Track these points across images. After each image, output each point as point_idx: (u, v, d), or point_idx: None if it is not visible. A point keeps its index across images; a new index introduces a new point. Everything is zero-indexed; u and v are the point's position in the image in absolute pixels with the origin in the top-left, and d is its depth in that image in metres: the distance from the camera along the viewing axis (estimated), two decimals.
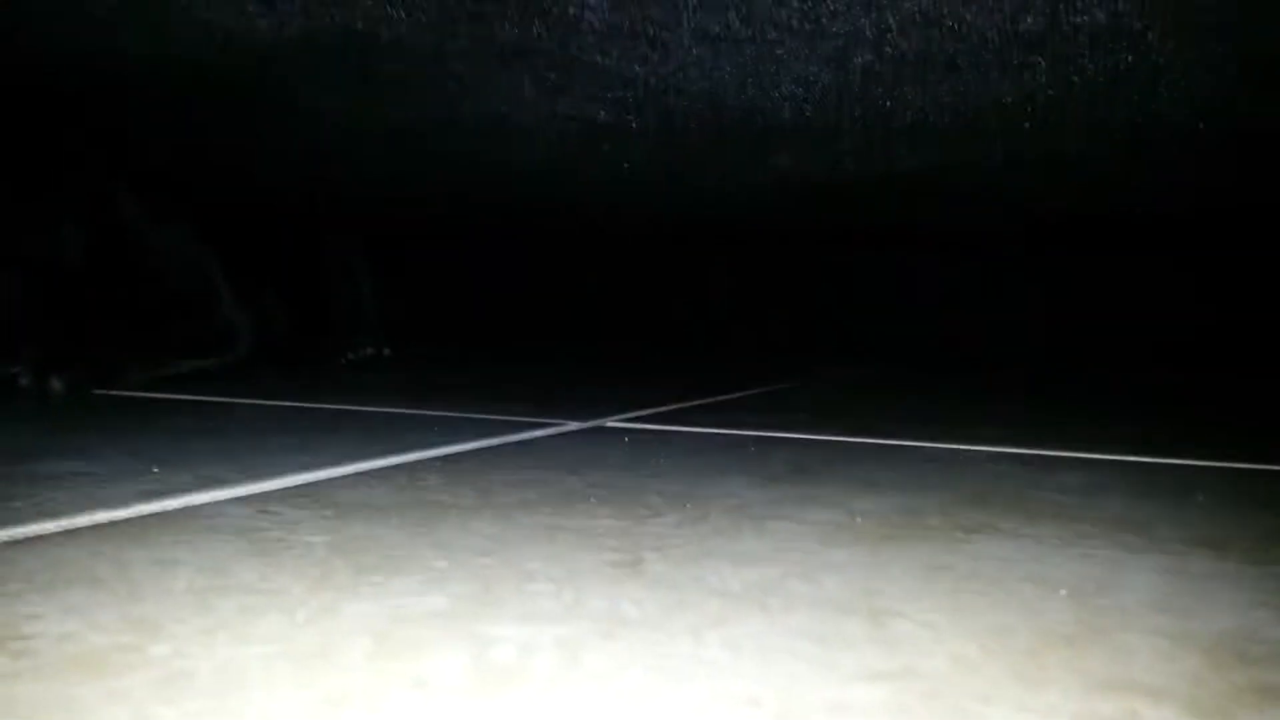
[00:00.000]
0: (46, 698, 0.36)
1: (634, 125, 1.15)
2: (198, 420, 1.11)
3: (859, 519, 0.67)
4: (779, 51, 0.92)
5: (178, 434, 0.98)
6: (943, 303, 2.60)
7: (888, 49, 0.94)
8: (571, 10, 0.89)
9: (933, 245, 2.49)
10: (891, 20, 0.90)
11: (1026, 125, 1.16)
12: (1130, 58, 0.96)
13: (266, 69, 1.05)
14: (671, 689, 0.38)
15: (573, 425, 1.12)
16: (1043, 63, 0.99)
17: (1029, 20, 0.90)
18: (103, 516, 0.63)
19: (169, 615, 0.45)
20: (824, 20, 0.88)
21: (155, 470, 0.78)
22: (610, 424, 1.15)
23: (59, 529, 0.60)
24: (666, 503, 0.71)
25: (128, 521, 0.63)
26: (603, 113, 1.15)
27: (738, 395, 1.50)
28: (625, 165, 1.37)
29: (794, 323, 2.76)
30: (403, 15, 0.88)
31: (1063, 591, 0.51)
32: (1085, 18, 0.90)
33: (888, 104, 1.07)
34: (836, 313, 2.71)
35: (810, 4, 0.85)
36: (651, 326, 2.87)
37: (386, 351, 1.74)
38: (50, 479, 0.74)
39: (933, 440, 1.03)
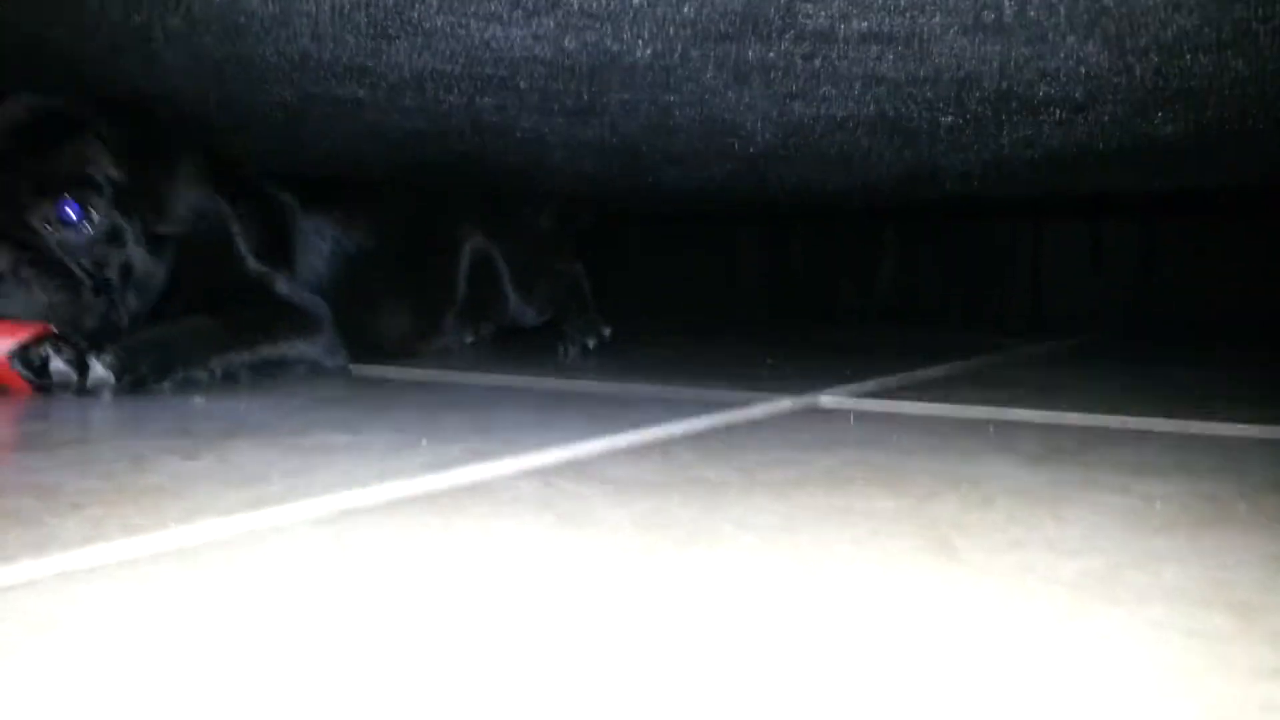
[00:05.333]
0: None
1: (865, 115, 1.12)
2: (433, 394, 1.16)
3: (1157, 504, 0.64)
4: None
5: (426, 408, 1.03)
6: (1136, 271, 2.45)
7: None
8: (825, 23, 0.86)
9: (1125, 210, 2.35)
10: None
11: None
12: None
13: (504, 84, 1.06)
14: (1071, 683, 0.37)
15: (787, 403, 1.11)
16: None
17: None
18: (402, 488, 0.67)
19: (546, 587, 0.47)
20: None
21: (424, 443, 0.82)
22: (824, 401, 1.13)
23: (384, 500, 0.64)
24: (939, 483, 0.70)
25: (428, 495, 0.66)
26: (839, 112, 1.12)
27: (938, 371, 1.46)
28: (851, 153, 1.33)
29: (966, 295, 2.67)
30: (644, 39, 0.88)
31: None
32: None
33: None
34: (1013, 284, 2.60)
35: None
36: (813, 303, 2.83)
37: (607, 334, 1.75)
38: (333, 450, 0.79)
39: (1187, 419, 0.98)
